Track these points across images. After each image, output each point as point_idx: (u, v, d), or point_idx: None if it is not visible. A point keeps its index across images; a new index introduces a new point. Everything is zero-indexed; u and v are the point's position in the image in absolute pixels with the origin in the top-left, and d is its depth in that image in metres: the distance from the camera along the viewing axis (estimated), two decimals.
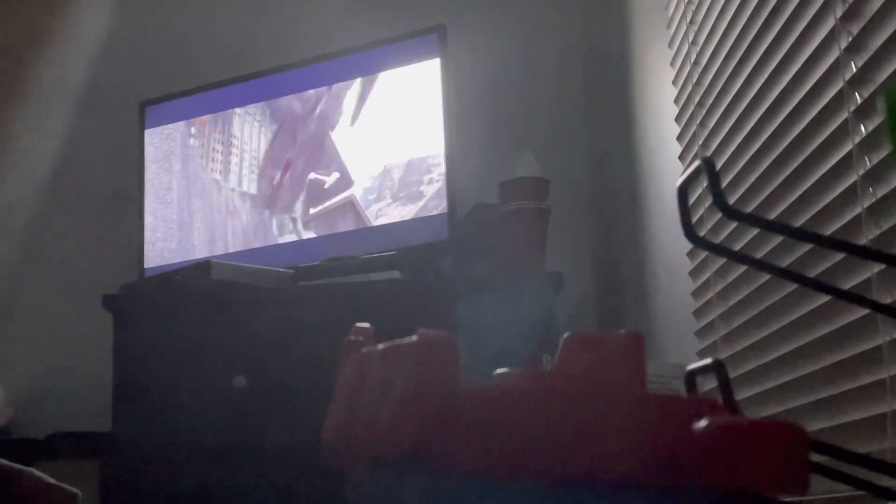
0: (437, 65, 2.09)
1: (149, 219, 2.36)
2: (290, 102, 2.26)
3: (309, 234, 2.17)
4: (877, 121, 0.92)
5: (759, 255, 1.20)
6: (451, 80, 2.12)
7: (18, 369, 2.51)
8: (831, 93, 1.01)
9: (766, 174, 1.20)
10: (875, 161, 0.92)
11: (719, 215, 1.37)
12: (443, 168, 2.04)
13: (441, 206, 2.03)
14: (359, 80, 2.18)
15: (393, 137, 2.12)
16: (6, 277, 2.58)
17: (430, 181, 2.05)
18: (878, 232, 0.91)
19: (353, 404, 0.48)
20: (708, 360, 0.52)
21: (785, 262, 1.11)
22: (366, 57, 2.18)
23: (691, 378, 0.55)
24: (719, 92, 1.39)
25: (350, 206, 2.14)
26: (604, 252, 2.36)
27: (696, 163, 0.52)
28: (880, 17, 0.90)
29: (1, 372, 2.49)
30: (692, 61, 1.52)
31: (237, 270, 2.00)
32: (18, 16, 2.69)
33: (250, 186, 2.27)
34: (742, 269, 1.30)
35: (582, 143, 2.50)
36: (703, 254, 1.47)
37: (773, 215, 1.17)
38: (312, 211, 2.18)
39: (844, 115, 0.98)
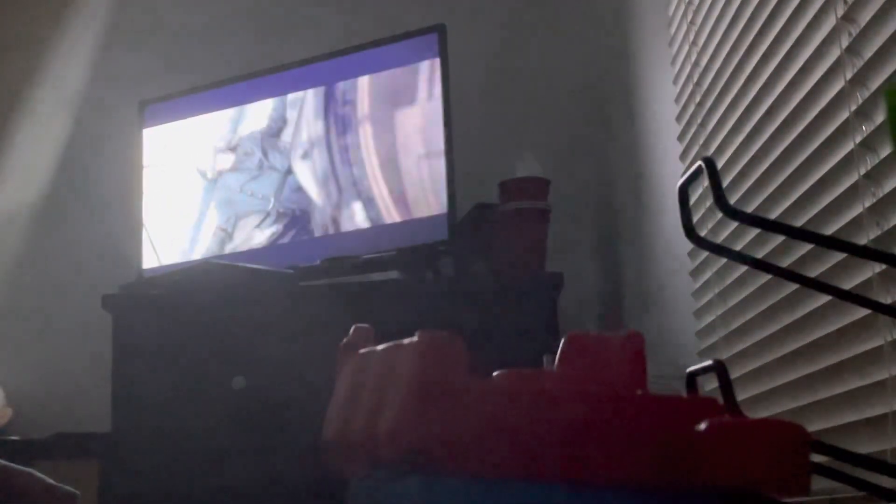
0: (437, 65, 2.09)
1: (149, 219, 2.36)
2: (295, 101, 2.26)
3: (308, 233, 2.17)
4: (878, 121, 0.92)
5: (759, 255, 1.19)
6: (451, 80, 2.12)
7: (18, 369, 2.51)
8: (832, 93, 1.01)
9: (767, 174, 1.20)
10: (876, 161, 0.92)
11: (720, 215, 1.37)
12: (443, 168, 2.04)
13: (441, 206, 2.02)
14: (359, 79, 2.18)
15: (393, 137, 2.11)
16: (6, 277, 2.58)
17: (430, 180, 2.05)
18: (878, 232, 0.91)
19: (353, 404, 0.48)
20: (709, 361, 0.51)
21: (785, 262, 1.11)
22: (366, 57, 2.18)
23: (692, 378, 0.55)
24: (719, 92, 1.39)
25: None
26: (604, 252, 2.36)
27: (697, 163, 0.52)
28: (881, 17, 0.90)
29: (1, 372, 2.49)
30: (692, 61, 1.52)
31: (237, 270, 1.99)
32: (19, 16, 2.69)
33: (251, 183, 2.27)
34: (742, 269, 1.30)
35: (582, 143, 2.50)
36: (704, 254, 1.47)
37: (773, 215, 1.16)
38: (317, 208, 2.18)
39: (845, 115, 0.97)
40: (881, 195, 0.91)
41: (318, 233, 2.16)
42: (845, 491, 0.96)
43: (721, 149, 1.37)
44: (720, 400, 0.49)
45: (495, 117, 2.51)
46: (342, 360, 0.52)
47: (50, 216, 2.60)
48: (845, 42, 0.97)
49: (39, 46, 2.67)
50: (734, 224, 1.31)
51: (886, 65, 0.90)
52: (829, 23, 1.01)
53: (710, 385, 1.44)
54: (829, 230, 1.01)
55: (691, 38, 1.53)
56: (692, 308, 1.53)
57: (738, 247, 1.27)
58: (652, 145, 1.87)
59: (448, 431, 0.43)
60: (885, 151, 0.91)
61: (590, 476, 0.43)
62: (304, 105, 2.24)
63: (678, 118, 1.60)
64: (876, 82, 0.92)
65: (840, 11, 0.98)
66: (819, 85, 1.04)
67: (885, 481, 0.80)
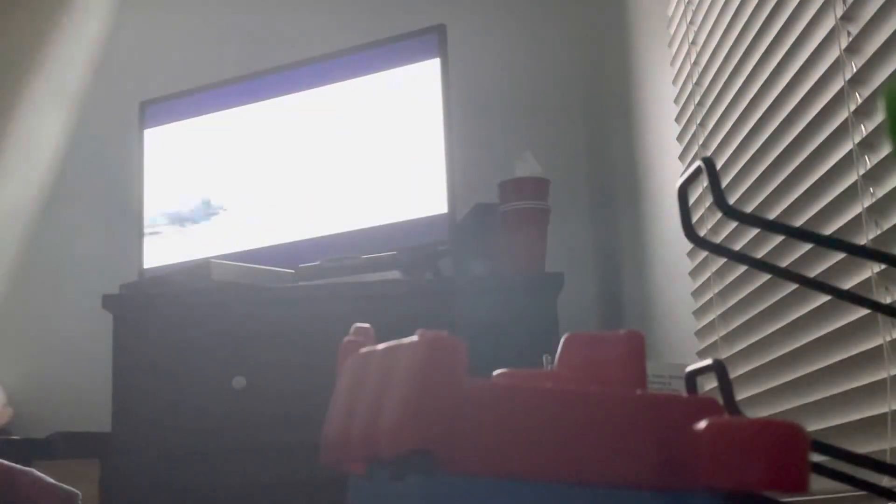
0: (437, 65, 2.09)
1: (149, 219, 2.36)
2: (292, 101, 2.26)
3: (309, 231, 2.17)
4: (877, 121, 0.92)
5: (759, 255, 1.20)
6: (451, 80, 2.12)
7: (18, 369, 2.51)
8: (831, 93, 1.01)
9: (767, 174, 1.20)
10: (875, 161, 0.92)
11: (719, 215, 1.37)
12: (443, 168, 2.04)
13: (441, 206, 2.03)
14: (359, 79, 2.18)
15: (393, 137, 2.12)
16: (7, 277, 2.58)
17: (431, 181, 2.05)
18: (878, 232, 0.91)
19: (353, 404, 0.48)
20: (708, 361, 0.52)
21: (785, 262, 1.11)
22: (366, 57, 2.18)
23: (691, 378, 0.55)
24: (719, 92, 1.39)
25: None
26: (604, 252, 2.36)
27: (697, 163, 0.52)
28: (880, 17, 0.90)
29: (1, 372, 2.49)
30: (692, 61, 1.52)
31: (237, 270, 2.00)
32: (19, 17, 2.69)
33: (252, 183, 2.27)
34: (742, 269, 1.30)
35: (582, 143, 2.50)
36: (703, 254, 1.47)
37: (773, 215, 1.17)
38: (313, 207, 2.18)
39: (845, 115, 0.98)
40: (880, 195, 0.91)
41: (318, 232, 2.16)
42: (844, 490, 0.96)
43: (720, 149, 1.37)
44: (720, 400, 0.49)
45: (495, 117, 2.51)
46: (342, 360, 0.52)
47: (50, 216, 2.60)
48: (844, 42, 0.97)
49: (39, 46, 2.67)
50: (733, 224, 1.32)
51: (886, 65, 0.90)
52: (829, 23, 1.01)
53: (709, 385, 1.44)
54: (829, 230, 1.01)
55: (690, 38, 1.53)
56: (691, 308, 1.53)
57: (737, 247, 1.27)
58: (651, 145, 1.87)
59: (448, 431, 0.43)
60: (885, 151, 0.91)
61: (588, 476, 0.44)
62: (305, 105, 2.24)
63: (677, 118, 1.61)
64: (875, 82, 0.92)
65: (839, 11, 0.98)
66: (818, 85, 1.05)
67: (885, 480, 0.80)
